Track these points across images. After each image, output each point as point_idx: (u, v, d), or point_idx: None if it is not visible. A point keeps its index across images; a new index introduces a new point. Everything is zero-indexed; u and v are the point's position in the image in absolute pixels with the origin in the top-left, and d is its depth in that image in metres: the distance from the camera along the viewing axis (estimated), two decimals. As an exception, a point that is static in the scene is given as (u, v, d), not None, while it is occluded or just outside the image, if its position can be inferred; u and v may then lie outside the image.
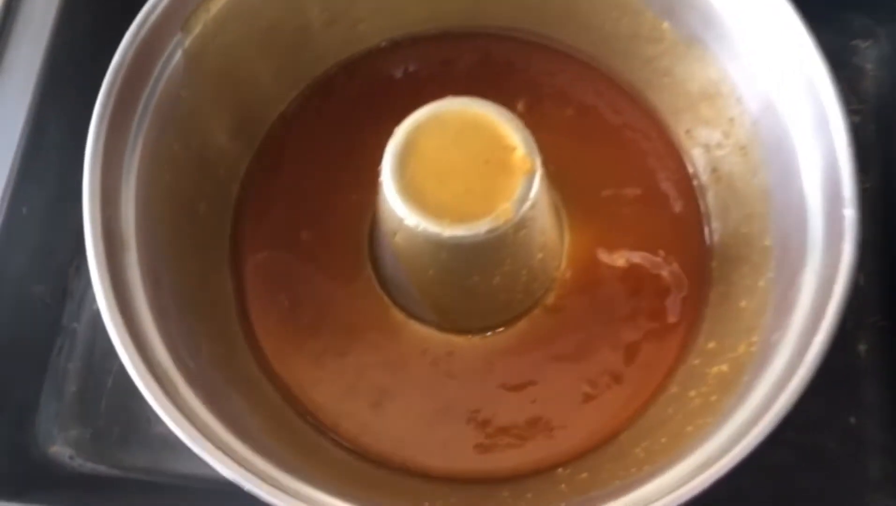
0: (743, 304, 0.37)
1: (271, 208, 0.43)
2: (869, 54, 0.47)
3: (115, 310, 0.31)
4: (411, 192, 0.34)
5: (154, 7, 0.35)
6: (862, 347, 0.42)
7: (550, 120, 0.44)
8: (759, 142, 0.38)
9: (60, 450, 0.42)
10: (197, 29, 0.37)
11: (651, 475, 0.31)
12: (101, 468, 0.41)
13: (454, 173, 0.34)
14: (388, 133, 0.35)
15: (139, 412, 0.41)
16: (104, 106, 0.34)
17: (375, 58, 0.46)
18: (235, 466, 0.29)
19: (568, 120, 0.44)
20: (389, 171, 0.34)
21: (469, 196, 0.34)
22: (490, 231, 0.34)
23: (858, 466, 0.41)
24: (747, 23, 0.36)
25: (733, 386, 0.33)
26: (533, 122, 0.41)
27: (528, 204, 0.34)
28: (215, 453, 0.30)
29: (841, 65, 0.46)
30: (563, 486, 0.36)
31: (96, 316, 0.41)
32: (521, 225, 0.34)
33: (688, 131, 0.43)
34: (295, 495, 0.30)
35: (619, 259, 0.42)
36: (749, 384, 0.32)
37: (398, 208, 0.34)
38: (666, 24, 0.40)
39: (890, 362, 0.42)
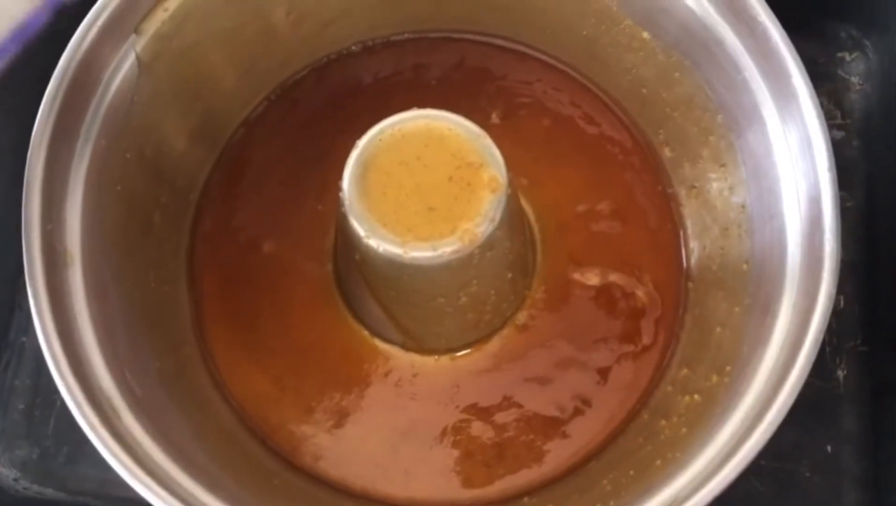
0: (718, 330, 0.36)
1: (232, 219, 0.41)
2: (854, 67, 0.46)
3: (53, 331, 0.30)
4: (371, 209, 0.32)
5: (103, 7, 0.34)
6: (840, 373, 0.41)
7: (525, 131, 0.43)
8: (739, 159, 0.37)
9: (5, 472, 0.40)
10: (152, 30, 0.36)
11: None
12: (48, 491, 0.40)
13: (417, 190, 0.33)
14: (355, 142, 0.34)
15: (89, 432, 0.39)
16: (47, 113, 0.32)
17: (345, 62, 0.44)
18: (177, 502, 0.28)
19: (544, 131, 0.43)
20: (348, 186, 0.33)
21: (432, 215, 0.33)
22: (454, 252, 0.32)
23: (834, 496, 0.40)
24: (727, 35, 0.35)
25: (704, 418, 0.32)
26: (507, 133, 0.40)
27: (494, 224, 0.32)
28: (155, 487, 0.28)
29: (826, 77, 0.45)
30: (528, 516, 0.35)
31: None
32: (487, 245, 0.33)
33: (666, 145, 0.42)
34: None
35: (593, 278, 0.40)
36: (721, 418, 0.31)
37: (357, 227, 0.32)
38: (645, 34, 0.39)
39: (869, 389, 0.41)
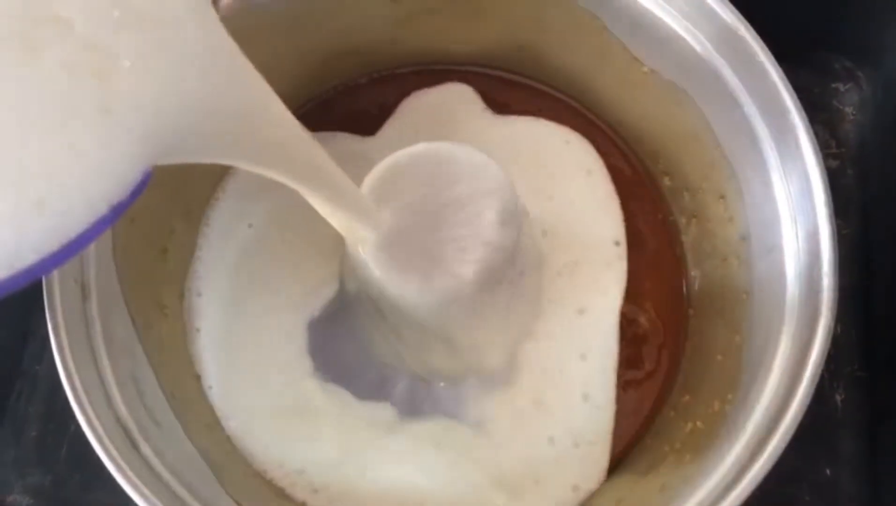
0: (718, 358, 0.37)
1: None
2: (849, 97, 0.47)
3: (72, 365, 0.30)
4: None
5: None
6: (838, 397, 0.42)
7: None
8: (738, 191, 0.37)
9: (18, 499, 0.40)
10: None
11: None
12: (61, 518, 0.40)
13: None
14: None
15: (102, 459, 0.40)
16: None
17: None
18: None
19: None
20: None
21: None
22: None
23: (834, 519, 0.40)
24: (725, 72, 0.36)
25: (707, 445, 0.33)
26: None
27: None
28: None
29: (820, 108, 0.46)
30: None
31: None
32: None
33: (666, 174, 0.43)
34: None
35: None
36: (723, 446, 0.31)
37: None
38: (645, 68, 0.40)
39: (867, 413, 0.41)
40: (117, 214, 0.19)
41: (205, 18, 0.23)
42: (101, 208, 0.19)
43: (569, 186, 0.42)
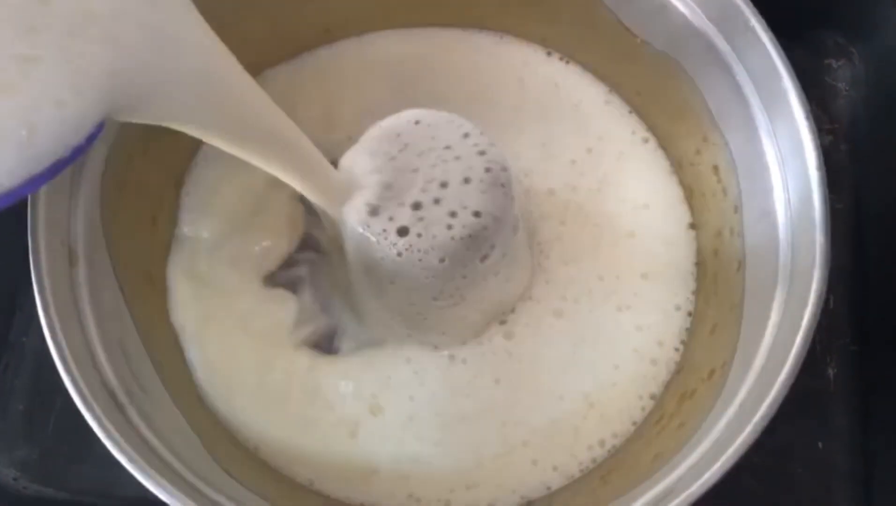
0: (714, 325, 0.36)
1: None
2: (842, 74, 0.47)
3: (58, 328, 0.30)
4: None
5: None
6: (831, 371, 0.41)
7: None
8: (731, 161, 0.37)
9: (4, 471, 0.40)
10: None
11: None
12: (48, 491, 0.40)
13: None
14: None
15: (90, 432, 0.39)
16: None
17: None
18: (186, 498, 0.28)
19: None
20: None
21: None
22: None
23: (826, 492, 0.40)
24: (718, 40, 0.36)
25: (700, 413, 0.33)
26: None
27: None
28: (164, 483, 0.28)
29: (814, 84, 0.46)
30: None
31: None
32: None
33: (662, 147, 0.42)
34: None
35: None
36: (715, 413, 0.31)
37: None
38: (638, 39, 0.39)
39: (859, 387, 0.41)
40: (76, 154, 0.22)
41: None
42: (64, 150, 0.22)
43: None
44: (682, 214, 0.41)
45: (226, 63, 0.27)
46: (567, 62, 0.44)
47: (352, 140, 0.35)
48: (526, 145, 0.42)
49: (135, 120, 0.25)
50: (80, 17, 0.22)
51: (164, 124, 0.26)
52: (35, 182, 0.21)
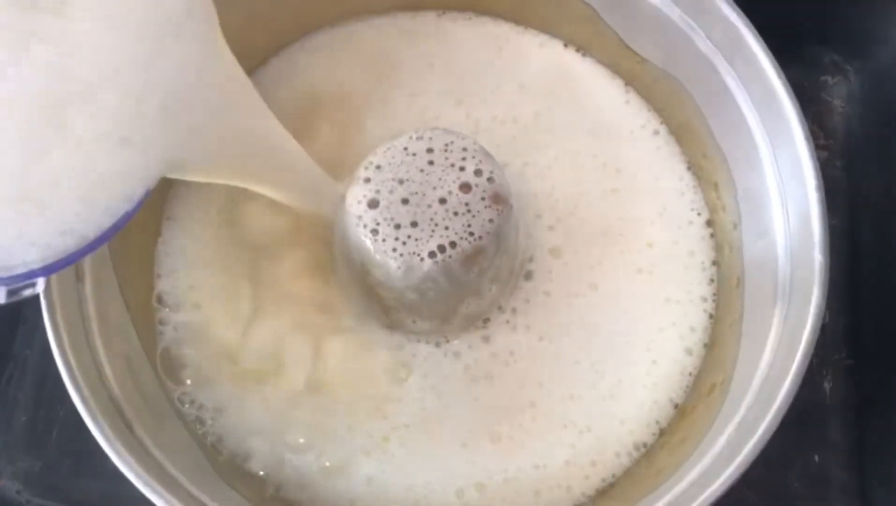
0: (713, 342, 0.37)
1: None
2: (837, 90, 0.48)
3: (67, 344, 0.30)
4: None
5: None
6: (827, 385, 0.42)
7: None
8: (731, 179, 0.38)
9: (7, 484, 0.40)
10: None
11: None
12: (51, 504, 0.40)
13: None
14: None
15: (93, 444, 0.39)
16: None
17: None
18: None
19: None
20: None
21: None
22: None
23: (822, 504, 0.41)
24: (720, 63, 0.36)
25: (700, 429, 0.33)
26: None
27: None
28: (169, 497, 0.28)
29: (810, 100, 0.47)
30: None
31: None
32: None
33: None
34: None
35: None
36: (715, 429, 0.32)
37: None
38: (639, 58, 0.40)
39: (854, 401, 0.42)
40: (127, 219, 0.27)
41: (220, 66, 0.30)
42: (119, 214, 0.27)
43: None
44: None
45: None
46: (584, 55, 0.42)
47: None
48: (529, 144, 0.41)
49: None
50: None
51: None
52: (117, 227, 0.27)
